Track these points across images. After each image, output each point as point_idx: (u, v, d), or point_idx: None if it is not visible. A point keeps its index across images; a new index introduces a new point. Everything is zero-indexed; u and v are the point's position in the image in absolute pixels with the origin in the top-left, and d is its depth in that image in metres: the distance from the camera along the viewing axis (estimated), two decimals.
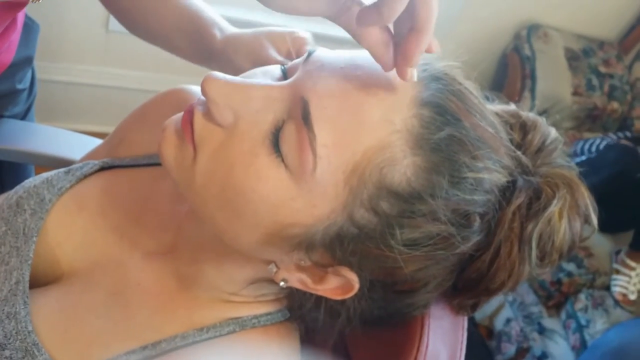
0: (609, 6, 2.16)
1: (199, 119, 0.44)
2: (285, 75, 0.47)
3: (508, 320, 1.84)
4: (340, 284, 0.46)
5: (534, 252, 0.47)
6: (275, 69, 0.47)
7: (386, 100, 0.41)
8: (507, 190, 0.46)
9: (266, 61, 0.64)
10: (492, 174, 0.44)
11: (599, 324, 1.72)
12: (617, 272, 1.85)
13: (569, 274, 1.82)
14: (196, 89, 0.65)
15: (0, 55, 0.77)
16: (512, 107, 0.53)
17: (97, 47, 1.72)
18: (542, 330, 1.78)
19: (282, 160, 0.42)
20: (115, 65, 1.79)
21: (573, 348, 1.73)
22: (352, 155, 0.41)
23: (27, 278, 0.52)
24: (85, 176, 0.60)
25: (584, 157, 1.93)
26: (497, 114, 0.49)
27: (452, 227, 0.43)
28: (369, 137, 0.41)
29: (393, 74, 0.42)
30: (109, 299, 0.52)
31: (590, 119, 2.14)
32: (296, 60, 0.47)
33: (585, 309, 1.75)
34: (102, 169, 0.62)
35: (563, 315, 1.79)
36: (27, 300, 0.51)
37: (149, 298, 0.52)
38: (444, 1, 1.87)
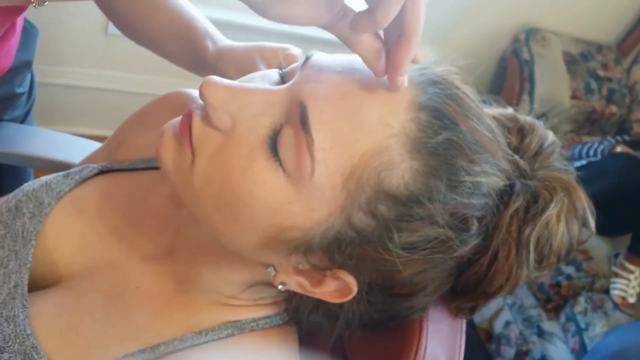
0: (608, 10, 2.17)
1: (197, 123, 0.44)
2: (283, 79, 0.47)
3: (507, 323, 1.84)
4: (338, 287, 0.46)
5: (532, 256, 0.47)
6: (274, 73, 0.48)
7: (384, 104, 0.41)
8: (505, 194, 0.46)
9: None
10: (489, 177, 0.44)
11: (598, 327, 1.72)
12: (616, 275, 1.85)
13: (568, 277, 1.82)
14: (195, 92, 0.65)
15: None
16: (510, 110, 0.53)
17: (96, 51, 1.72)
18: (541, 333, 1.78)
19: (280, 164, 0.42)
20: (114, 69, 1.79)
21: (572, 351, 1.73)
22: (350, 158, 0.41)
23: (25, 281, 0.52)
24: (84, 180, 0.60)
25: (583, 161, 1.93)
26: (494, 117, 0.50)
27: (450, 230, 0.43)
28: (366, 140, 0.41)
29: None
30: (108, 302, 0.52)
31: (588, 123, 2.14)
32: (293, 65, 0.47)
33: (585, 312, 1.75)
34: (101, 172, 0.62)
35: (562, 318, 1.79)
36: (25, 303, 0.51)
37: (147, 301, 0.52)
38: (443, 5, 1.88)
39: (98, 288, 0.53)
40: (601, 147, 1.93)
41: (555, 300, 1.82)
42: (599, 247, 1.91)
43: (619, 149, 1.91)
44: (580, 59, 2.16)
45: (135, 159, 0.63)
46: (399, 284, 0.46)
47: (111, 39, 1.68)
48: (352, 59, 0.44)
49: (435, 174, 0.41)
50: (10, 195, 0.58)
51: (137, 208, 0.58)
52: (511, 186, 0.47)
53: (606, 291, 1.85)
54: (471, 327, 1.90)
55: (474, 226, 0.44)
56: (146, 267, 0.54)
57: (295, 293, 0.48)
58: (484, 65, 2.17)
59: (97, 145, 0.81)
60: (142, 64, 1.77)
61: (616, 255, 1.90)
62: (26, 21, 0.85)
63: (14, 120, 0.91)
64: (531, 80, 2.04)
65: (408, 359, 0.49)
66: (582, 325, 1.73)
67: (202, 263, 0.51)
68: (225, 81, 0.44)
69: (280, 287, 0.47)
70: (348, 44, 0.41)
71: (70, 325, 0.50)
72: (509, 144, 0.48)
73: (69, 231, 0.56)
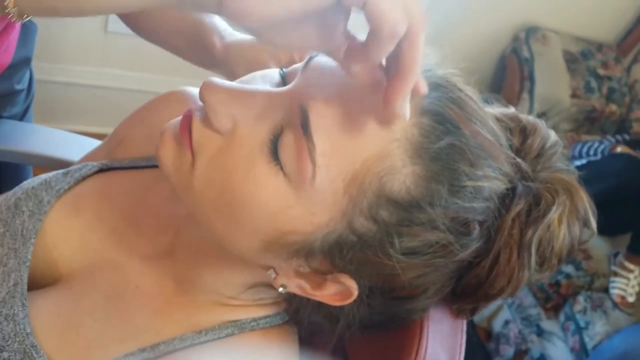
0: (608, 9, 2.17)
1: (197, 125, 0.44)
2: (284, 80, 0.46)
3: (506, 322, 1.84)
4: (339, 291, 0.46)
5: (534, 258, 0.47)
6: (274, 74, 0.47)
7: None
8: (507, 197, 0.46)
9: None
10: (491, 181, 0.44)
11: (598, 326, 1.72)
12: (616, 274, 1.85)
13: (568, 276, 1.82)
14: (195, 91, 0.65)
15: None
16: (512, 110, 0.53)
17: (95, 48, 1.72)
18: (540, 332, 1.78)
19: (281, 168, 0.41)
20: (113, 66, 1.79)
21: (572, 350, 1.73)
22: (352, 164, 0.41)
23: (25, 280, 0.52)
24: (84, 178, 0.60)
25: (584, 161, 1.93)
26: (497, 118, 0.49)
27: (451, 235, 0.43)
28: (368, 146, 0.40)
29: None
30: (107, 301, 0.52)
31: (588, 121, 2.14)
32: (295, 65, 0.47)
33: (584, 311, 1.76)
34: (101, 170, 0.61)
35: (561, 317, 1.80)
36: (25, 302, 0.51)
37: (147, 301, 0.52)
38: (444, 4, 1.87)
39: (98, 287, 0.53)
40: (601, 146, 1.93)
41: (554, 299, 1.82)
42: (598, 246, 1.91)
43: (619, 149, 1.91)
44: (580, 58, 2.15)
45: (135, 157, 0.63)
46: (399, 287, 0.46)
47: (111, 36, 1.68)
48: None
49: (437, 178, 0.41)
50: (10, 193, 0.58)
51: (137, 207, 0.57)
52: (513, 189, 0.47)
53: (605, 290, 1.85)
54: (470, 326, 1.90)
55: (476, 230, 0.44)
56: (146, 266, 0.54)
57: (295, 295, 0.48)
58: (484, 64, 2.17)
59: (96, 142, 0.81)
60: (141, 62, 1.77)
61: (615, 255, 1.90)
62: None
63: (12, 117, 0.91)
64: (531, 79, 2.04)
65: (409, 359, 0.49)
66: (582, 324, 1.73)
67: (202, 264, 0.51)
68: (226, 83, 0.43)
69: (280, 289, 0.47)
70: (346, 71, 0.40)
71: (70, 324, 0.50)
72: (510, 146, 0.48)
73: (68, 230, 0.56)
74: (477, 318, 1.90)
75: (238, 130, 0.43)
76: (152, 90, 1.75)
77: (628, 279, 1.83)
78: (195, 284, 0.52)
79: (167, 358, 0.48)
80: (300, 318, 0.52)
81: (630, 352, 1.51)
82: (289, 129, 0.41)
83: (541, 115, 1.98)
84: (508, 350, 1.79)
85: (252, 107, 0.43)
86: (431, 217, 0.42)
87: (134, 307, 0.51)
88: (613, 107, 2.16)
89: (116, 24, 1.62)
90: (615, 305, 1.80)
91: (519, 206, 0.46)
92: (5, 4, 0.35)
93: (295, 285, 0.47)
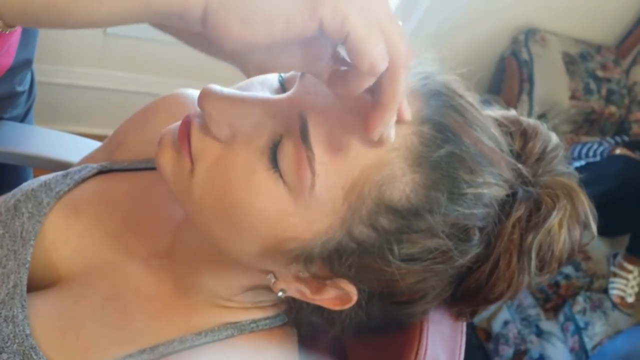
0: (607, 11, 2.17)
1: (196, 133, 0.44)
2: (283, 86, 0.46)
3: (506, 323, 1.84)
4: (338, 296, 0.46)
5: (534, 263, 0.47)
6: (273, 80, 0.47)
7: None
8: (507, 203, 0.46)
9: None
10: (491, 188, 0.44)
11: (597, 327, 1.72)
12: (615, 275, 1.86)
13: (567, 277, 1.83)
14: (194, 93, 0.65)
15: (0, 57, 0.77)
16: (513, 112, 0.52)
17: (95, 50, 1.72)
18: (539, 333, 1.78)
19: (280, 176, 0.41)
20: (113, 68, 1.79)
21: (571, 350, 1.73)
22: (351, 172, 0.41)
23: (24, 281, 0.52)
24: (84, 180, 0.60)
25: (582, 162, 1.93)
26: (497, 121, 0.49)
27: (451, 241, 0.43)
28: (367, 155, 0.40)
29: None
30: (107, 303, 0.52)
31: (587, 123, 2.15)
32: (294, 72, 0.47)
33: (584, 312, 1.76)
34: (101, 172, 0.61)
35: (561, 317, 1.80)
36: (24, 303, 0.51)
37: (146, 303, 0.52)
38: (444, 6, 1.88)
39: (97, 289, 0.53)
40: (600, 148, 1.93)
41: (553, 299, 1.82)
42: (597, 247, 1.92)
43: (618, 151, 1.91)
44: (580, 60, 2.16)
45: (135, 159, 0.63)
46: (399, 293, 0.46)
47: (110, 38, 1.68)
48: None
49: (437, 187, 0.41)
50: (9, 195, 0.58)
51: (137, 209, 0.58)
52: (513, 194, 0.46)
53: (605, 291, 1.85)
54: (469, 326, 1.90)
55: (476, 236, 0.44)
56: (145, 268, 0.54)
57: (295, 298, 0.48)
58: (483, 66, 2.18)
59: (96, 144, 0.81)
60: (141, 64, 1.77)
61: (615, 255, 1.90)
62: None
63: (13, 119, 0.91)
64: (530, 81, 2.04)
65: (409, 359, 0.49)
66: (581, 324, 1.73)
67: (201, 266, 0.51)
68: (225, 90, 0.43)
69: (280, 293, 0.47)
70: (332, 93, 0.40)
71: (69, 326, 0.50)
72: (511, 150, 0.48)
73: (68, 232, 0.56)
74: (477, 319, 1.90)
75: (237, 138, 0.43)
76: (151, 92, 1.75)
77: (627, 279, 1.83)
78: (194, 286, 0.52)
79: (167, 359, 0.48)
80: (299, 320, 0.52)
81: (633, 354, 1.51)
82: (288, 137, 0.41)
83: (540, 117, 1.97)
84: (507, 351, 1.79)
85: (251, 114, 0.43)
86: (431, 224, 0.42)
87: (133, 308, 0.51)
88: (612, 108, 2.16)
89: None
90: (615, 305, 1.80)
91: (519, 212, 0.46)
92: None
93: (295, 289, 0.47)
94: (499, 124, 0.49)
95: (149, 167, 0.62)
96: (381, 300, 0.47)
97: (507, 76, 2.12)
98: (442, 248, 0.43)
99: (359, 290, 0.45)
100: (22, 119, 0.94)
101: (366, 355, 0.56)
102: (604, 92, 2.15)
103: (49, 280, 0.55)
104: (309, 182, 0.40)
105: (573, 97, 2.08)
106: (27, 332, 0.49)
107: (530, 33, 2.10)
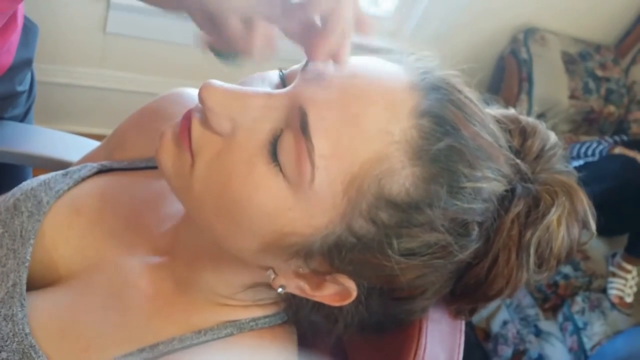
0: (606, 10, 2.17)
1: (196, 127, 0.44)
2: (283, 81, 0.46)
3: (505, 323, 1.84)
4: (338, 291, 0.46)
5: (532, 259, 0.47)
6: (274, 75, 0.47)
7: (385, 110, 0.41)
8: (506, 198, 0.46)
9: None
10: (490, 183, 0.44)
11: (596, 326, 1.72)
12: (614, 275, 1.86)
13: (566, 277, 1.83)
14: (194, 92, 0.65)
15: (0, 57, 0.77)
16: (512, 111, 0.53)
17: (94, 50, 1.72)
18: (538, 333, 1.78)
19: (280, 170, 0.42)
20: (112, 68, 1.79)
21: (570, 350, 1.73)
22: (350, 166, 0.41)
23: (24, 280, 0.52)
24: (83, 179, 0.60)
25: (581, 162, 1.93)
26: (496, 119, 0.49)
27: (450, 236, 0.43)
28: (367, 148, 0.41)
29: (392, 83, 0.42)
30: (106, 301, 0.52)
31: (587, 122, 2.15)
32: (295, 67, 0.47)
33: (582, 312, 1.76)
34: (100, 171, 0.61)
35: (560, 317, 1.80)
36: (24, 302, 0.51)
37: (146, 301, 0.52)
38: (443, 5, 1.88)
39: (97, 288, 0.53)
40: (600, 147, 1.94)
41: (552, 299, 1.82)
42: (596, 247, 1.92)
43: (617, 150, 1.91)
44: (579, 59, 2.16)
45: (135, 158, 0.63)
46: (398, 288, 0.46)
47: (109, 37, 1.68)
48: (354, 64, 0.44)
49: (436, 180, 0.41)
50: (9, 194, 0.58)
51: (137, 208, 0.58)
52: (512, 190, 0.47)
53: (603, 291, 1.85)
54: (468, 326, 1.90)
55: (475, 231, 0.44)
56: (145, 267, 0.54)
57: (294, 295, 0.48)
58: (483, 65, 2.18)
59: (95, 144, 0.81)
60: (140, 63, 1.77)
61: (613, 255, 1.90)
62: (26, 19, 0.85)
63: (14, 118, 0.91)
64: (529, 80, 2.04)
65: (408, 358, 0.49)
66: (580, 324, 1.74)
67: (201, 264, 0.51)
68: (225, 85, 0.43)
69: (279, 290, 0.47)
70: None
71: (69, 324, 0.50)
72: (510, 147, 0.48)
73: (67, 231, 0.56)
74: (476, 318, 1.90)
75: (237, 132, 0.43)
76: (151, 91, 1.75)
77: (626, 279, 1.83)
78: (194, 284, 0.52)
79: (167, 358, 0.48)
80: (299, 318, 0.52)
81: (634, 355, 1.52)
82: (288, 131, 0.42)
83: (540, 116, 1.98)
84: (506, 351, 1.79)
85: (252, 109, 0.43)
86: (430, 218, 0.42)
87: (133, 307, 0.51)
88: (611, 108, 2.16)
89: (115, 25, 1.62)
90: (613, 305, 1.80)
91: (518, 207, 0.46)
92: None
93: (295, 285, 0.47)
94: (498, 121, 0.49)
95: (149, 166, 0.62)
96: (381, 297, 0.47)
97: (507, 75, 2.12)
98: (441, 243, 0.43)
99: (359, 286, 0.45)
100: (22, 118, 0.94)
101: (365, 354, 0.56)
102: (603, 91, 2.15)
103: (48, 279, 0.55)
104: (308, 175, 0.41)
105: (572, 96, 2.08)
106: (27, 330, 0.49)
107: (529, 32, 2.10)
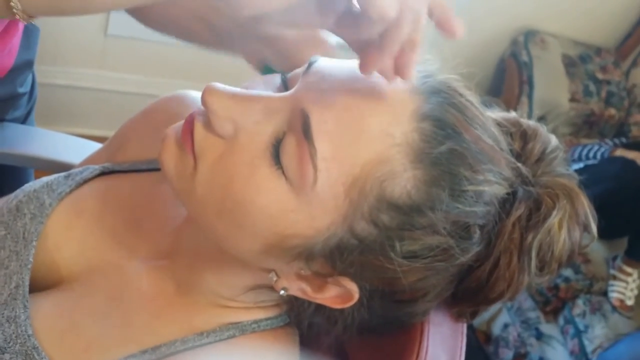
0: (607, 13, 2.17)
1: (199, 130, 0.44)
2: (285, 84, 0.47)
3: (505, 326, 1.84)
4: (340, 294, 0.46)
5: (534, 263, 0.47)
6: (276, 78, 0.48)
7: (386, 113, 0.42)
8: (507, 202, 0.46)
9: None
10: (492, 186, 0.44)
11: (597, 329, 1.72)
12: (614, 278, 1.86)
13: (566, 280, 1.83)
14: (196, 94, 0.65)
15: (2, 58, 0.77)
16: (513, 114, 0.53)
17: (95, 51, 1.72)
18: (539, 336, 1.78)
19: (283, 173, 0.42)
20: (113, 70, 1.79)
21: (571, 353, 1.73)
22: (352, 168, 0.41)
23: (26, 282, 0.52)
24: (85, 181, 0.60)
25: (581, 164, 1.93)
26: (497, 122, 0.50)
27: (452, 239, 0.43)
28: (368, 150, 0.41)
29: (393, 87, 0.42)
30: (109, 303, 0.52)
31: (587, 125, 2.15)
32: (297, 70, 0.47)
33: (583, 315, 1.76)
34: (102, 173, 0.62)
35: (561, 320, 1.80)
36: (27, 304, 0.51)
37: (148, 303, 0.52)
38: None
39: (99, 289, 0.53)
40: (601, 149, 1.94)
41: (553, 302, 1.82)
42: (597, 249, 1.92)
43: (618, 152, 1.91)
44: (579, 62, 2.16)
45: (136, 160, 0.63)
46: (400, 291, 0.46)
47: (110, 39, 1.68)
48: (356, 67, 0.44)
49: (438, 183, 0.41)
50: (11, 196, 0.58)
51: (138, 210, 0.58)
52: (514, 193, 0.47)
53: (604, 294, 1.85)
54: (469, 329, 1.90)
55: (476, 234, 0.45)
56: (147, 269, 0.54)
57: (296, 297, 0.49)
58: (483, 68, 2.18)
59: (97, 145, 0.81)
60: (141, 65, 1.77)
61: (614, 258, 1.90)
62: None
63: (15, 120, 0.91)
64: (530, 83, 2.04)
65: None
66: (581, 327, 1.74)
67: (203, 266, 0.51)
68: (228, 88, 0.44)
69: (281, 292, 0.47)
70: (343, 38, 0.42)
71: (71, 326, 0.50)
72: (511, 150, 0.48)
73: (70, 232, 0.56)
74: (477, 321, 1.90)
75: (240, 135, 0.43)
76: (152, 93, 1.76)
77: (627, 282, 1.83)
78: (196, 286, 0.52)
79: None
80: (301, 320, 0.53)
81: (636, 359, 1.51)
82: (290, 134, 0.42)
83: (540, 119, 1.98)
84: (507, 354, 1.79)
85: (254, 111, 0.43)
86: (432, 221, 0.42)
87: (135, 309, 0.51)
88: (612, 111, 2.16)
89: (116, 27, 1.62)
90: (614, 308, 1.80)
91: (519, 210, 0.47)
92: (11, 4, 0.35)
93: (297, 288, 0.47)
94: (499, 125, 0.50)
95: (151, 168, 0.62)
96: (382, 299, 0.47)
97: (507, 78, 2.13)
98: (443, 245, 0.43)
99: (360, 288, 0.45)
100: (24, 120, 0.94)
101: (367, 357, 0.56)
102: (603, 94, 2.15)
103: (51, 281, 0.55)
104: (311, 177, 0.41)
105: (573, 99, 2.09)
106: (30, 332, 0.49)
107: (529, 35, 2.10)
